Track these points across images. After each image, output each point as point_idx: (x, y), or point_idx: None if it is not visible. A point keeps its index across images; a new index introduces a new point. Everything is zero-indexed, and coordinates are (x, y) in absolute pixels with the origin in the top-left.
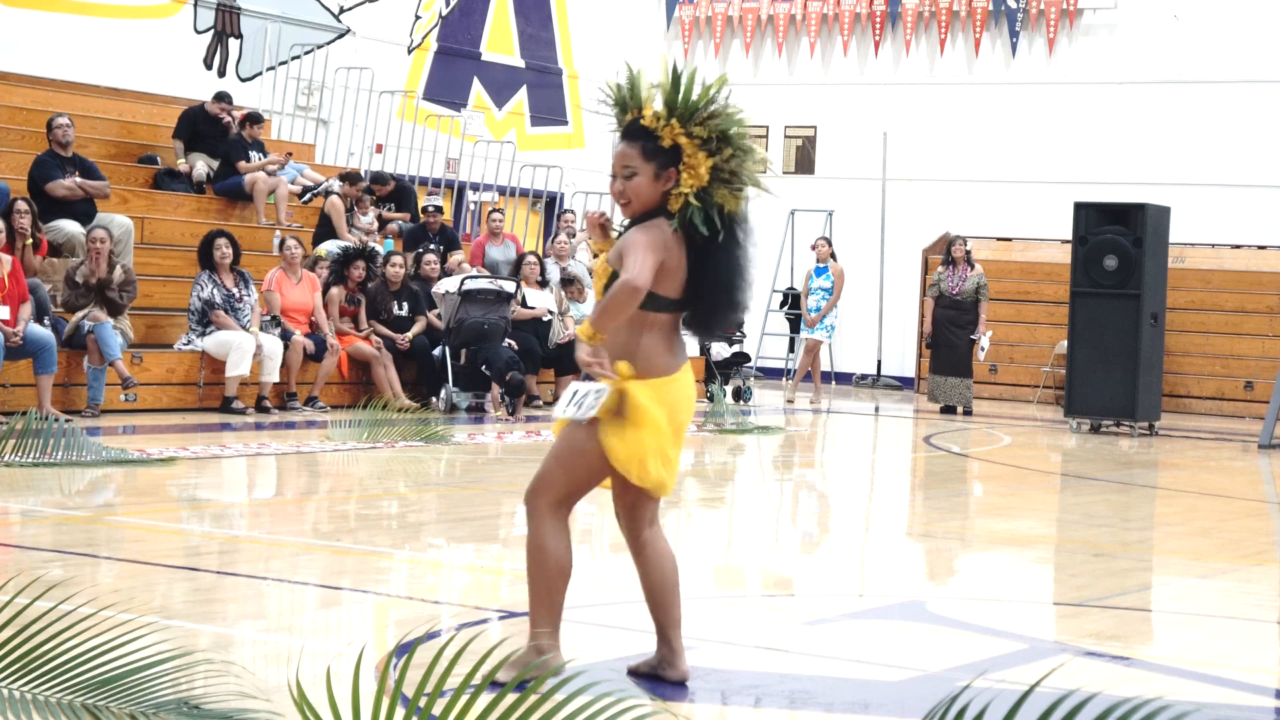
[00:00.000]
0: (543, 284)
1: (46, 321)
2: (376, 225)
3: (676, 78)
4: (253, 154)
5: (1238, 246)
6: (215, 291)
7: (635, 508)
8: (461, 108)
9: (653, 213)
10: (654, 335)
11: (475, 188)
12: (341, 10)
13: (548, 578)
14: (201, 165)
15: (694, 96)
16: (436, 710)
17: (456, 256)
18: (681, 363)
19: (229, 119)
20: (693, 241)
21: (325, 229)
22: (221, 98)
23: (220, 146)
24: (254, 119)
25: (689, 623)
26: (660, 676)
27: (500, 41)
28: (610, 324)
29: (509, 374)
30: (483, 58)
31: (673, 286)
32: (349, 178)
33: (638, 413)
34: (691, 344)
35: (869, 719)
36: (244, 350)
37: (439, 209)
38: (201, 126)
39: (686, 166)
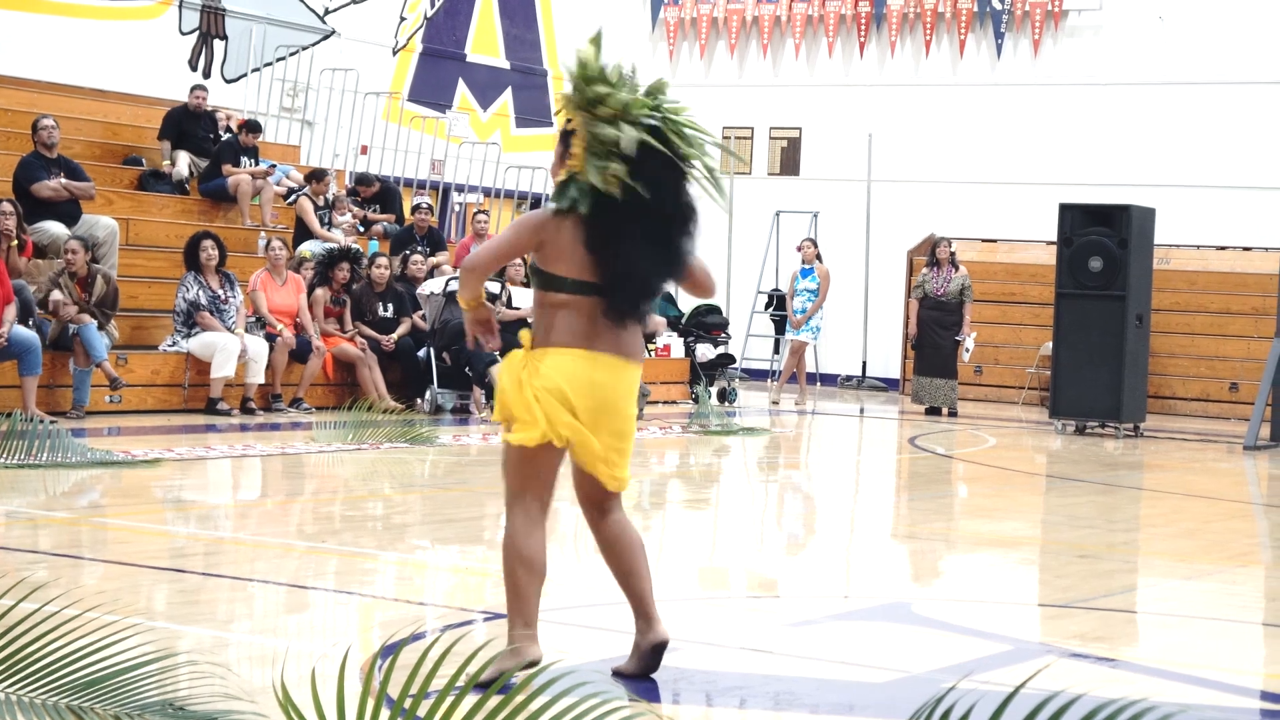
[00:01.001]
0: (528, 285)
1: (31, 323)
2: (356, 225)
3: (583, 64)
4: (245, 159)
5: (1223, 248)
6: (200, 293)
7: (591, 497)
8: (446, 109)
9: None
10: (555, 313)
11: (460, 189)
12: (327, 12)
13: (514, 575)
14: (184, 163)
15: (597, 84)
16: (421, 711)
17: (434, 259)
18: (583, 344)
19: (213, 113)
20: (595, 223)
21: (301, 230)
22: (198, 89)
23: (209, 146)
24: (252, 128)
25: (674, 624)
26: (641, 650)
27: (485, 43)
28: (462, 297)
29: (487, 376)
30: (468, 59)
31: (567, 266)
32: (315, 176)
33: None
34: (675, 346)
35: None
36: (229, 351)
37: (430, 208)
38: (186, 125)
39: (572, 150)
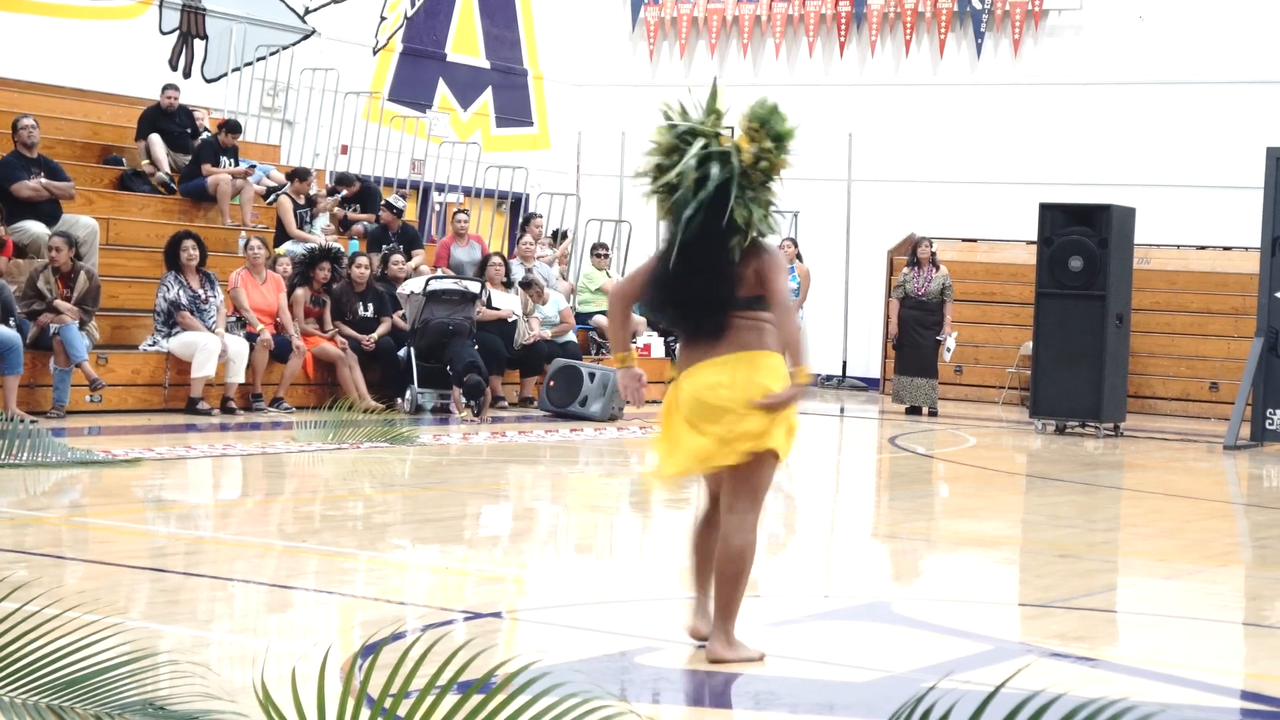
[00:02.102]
0: (508, 285)
1: (12, 322)
2: (333, 226)
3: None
4: (224, 159)
5: (1203, 248)
6: (181, 292)
7: (712, 494)
8: (427, 109)
9: None
10: None
11: (440, 189)
12: (307, 11)
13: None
14: (160, 149)
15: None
16: (402, 711)
17: (413, 262)
18: (683, 364)
19: (191, 110)
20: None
21: (282, 230)
22: (169, 88)
23: (188, 142)
24: (232, 128)
25: (656, 623)
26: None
27: (465, 42)
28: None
29: (467, 375)
30: (448, 59)
31: None
32: (297, 175)
33: None
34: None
35: None
36: (209, 351)
37: (392, 206)
38: (161, 123)
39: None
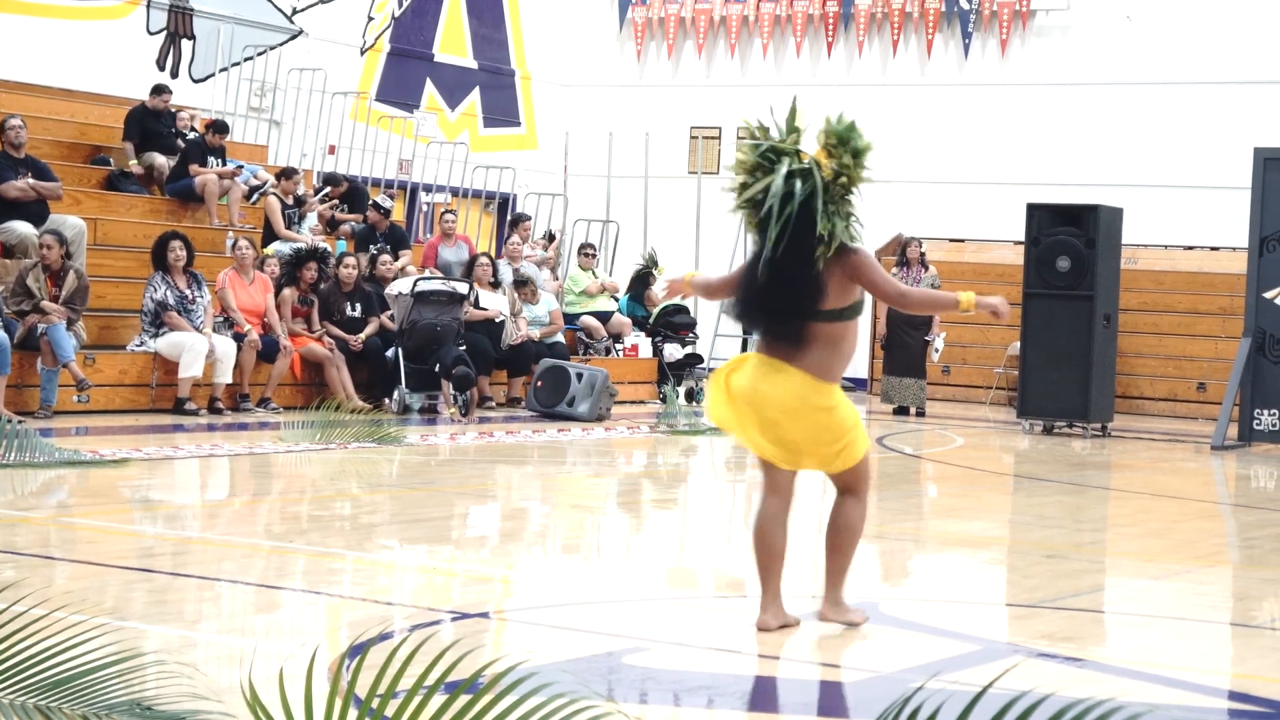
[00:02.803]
0: (495, 285)
1: None
2: (321, 226)
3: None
4: (212, 159)
5: (1190, 248)
6: (168, 293)
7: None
8: (414, 109)
9: None
10: None
11: (428, 189)
12: (294, 11)
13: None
14: (159, 159)
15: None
16: (389, 711)
17: (400, 262)
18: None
19: (175, 111)
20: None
21: (270, 229)
22: (159, 90)
23: (173, 143)
24: (219, 128)
25: (643, 624)
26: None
27: (453, 42)
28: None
29: (456, 368)
30: (435, 59)
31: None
32: (284, 174)
33: None
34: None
35: None
36: (196, 351)
37: (378, 207)
38: (148, 124)
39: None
